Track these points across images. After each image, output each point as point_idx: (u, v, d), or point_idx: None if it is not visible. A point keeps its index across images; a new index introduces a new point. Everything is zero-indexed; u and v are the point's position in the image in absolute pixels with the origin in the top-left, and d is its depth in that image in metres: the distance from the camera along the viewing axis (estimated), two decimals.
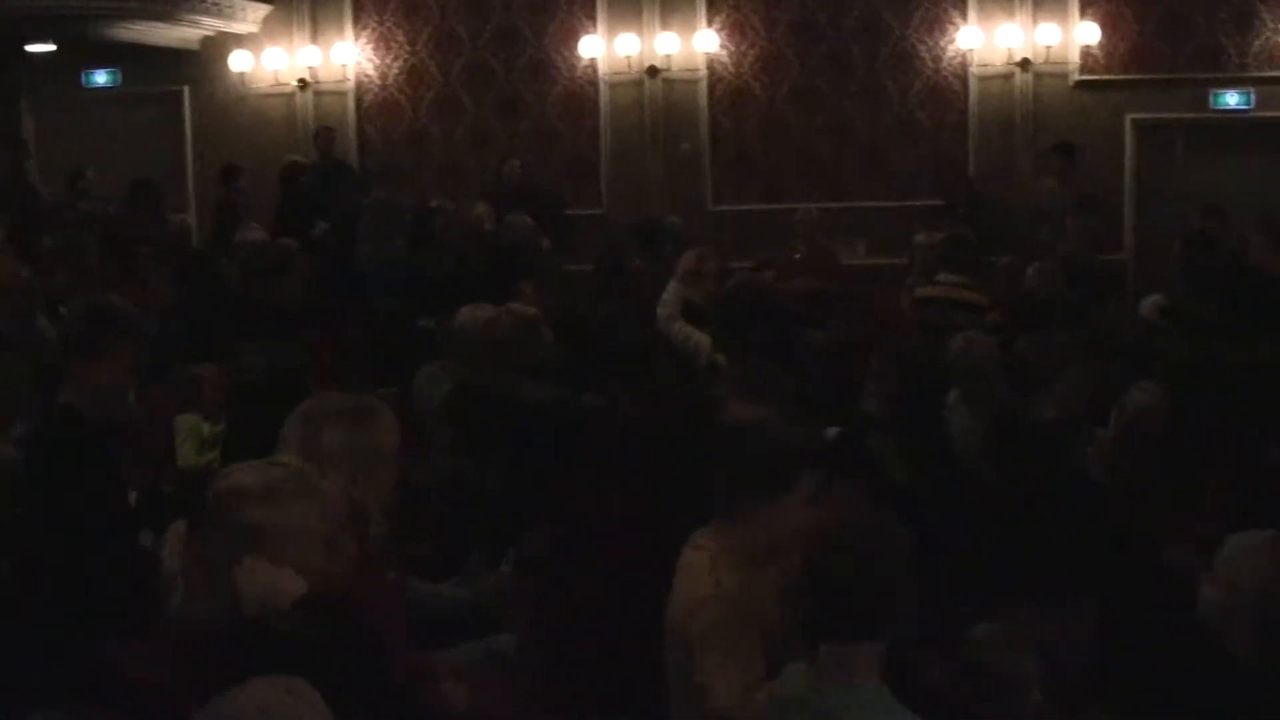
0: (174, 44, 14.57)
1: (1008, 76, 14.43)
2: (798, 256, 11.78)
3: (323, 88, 14.94)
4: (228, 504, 3.27)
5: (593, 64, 14.60)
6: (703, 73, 14.52)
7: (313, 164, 13.84)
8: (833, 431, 6.52)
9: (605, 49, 14.49)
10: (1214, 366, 6.96)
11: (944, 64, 14.48)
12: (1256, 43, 14.35)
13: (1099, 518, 5.45)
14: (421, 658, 4.33)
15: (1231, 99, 14.45)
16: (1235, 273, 9.90)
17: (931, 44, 14.47)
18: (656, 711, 4.16)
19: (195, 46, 14.89)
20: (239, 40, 14.90)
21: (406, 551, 5.34)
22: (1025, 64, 14.34)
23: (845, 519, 3.40)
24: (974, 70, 14.43)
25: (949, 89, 14.50)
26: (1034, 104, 14.42)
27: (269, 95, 15.05)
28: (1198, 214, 11.68)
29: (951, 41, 14.41)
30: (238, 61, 14.88)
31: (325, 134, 14.18)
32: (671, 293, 8.54)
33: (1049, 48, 14.30)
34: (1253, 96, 14.41)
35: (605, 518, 5.03)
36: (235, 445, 6.07)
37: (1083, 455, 5.82)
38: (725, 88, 14.58)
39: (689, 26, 14.43)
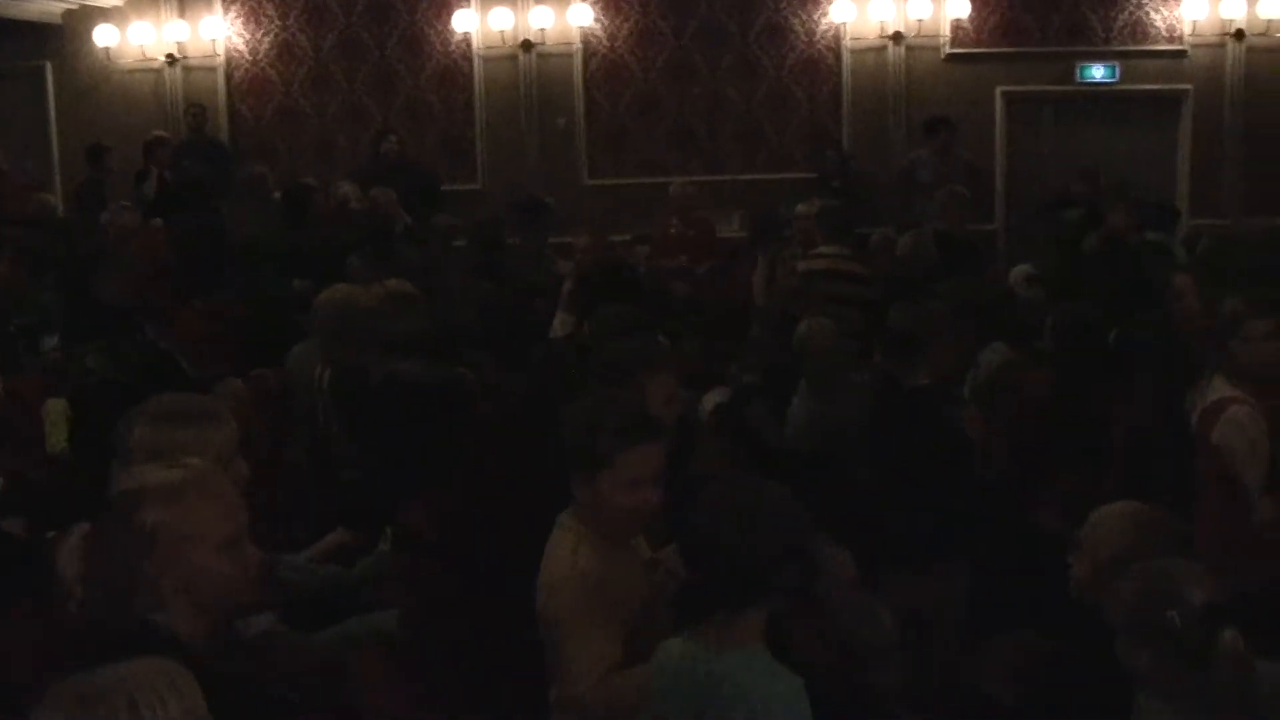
0: (35, 18, 14.13)
1: (880, 50, 14.58)
2: (673, 231, 11.83)
3: (191, 63, 14.64)
4: (128, 505, 3.21)
5: (466, 38, 14.48)
6: (577, 46, 14.46)
7: (182, 142, 13.59)
8: (712, 400, 6.57)
9: (479, 23, 14.38)
10: (1079, 330, 7.09)
11: (817, 37, 14.57)
12: (1121, 17, 14.67)
13: (970, 480, 5.54)
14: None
15: (1097, 72, 14.77)
16: (1102, 239, 10.13)
17: (805, 17, 14.55)
18: (539, 692, 4.17)
19: (57, 20, 14.48)
20: (103, 14, 14.51)
21: (283, 531, 5.29)
22: (897, 37, 14.51)
23: (722, 487, 3.39)
24: (847, 44, 14.55)
25: (823, 62, 14.60)
26: (906, 77, 14.59)
27: (135, 71, 14.70)
28: (1075, 178, 11.91)
29: (825, 15, 14.51)
30: (102, 36, 14.49)
31: (195, 112, 13.92)
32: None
33: (920, 21, 14.48)
34: (1118, 69, 14.75)
35: (482, 494, 5.00)
36: (80, 448, 6.00)
37: (958, 420, 5.90)
38: (600, 62, 14.56)
39: (563, 0, 14.37)
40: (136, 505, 3.18)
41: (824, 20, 14.52)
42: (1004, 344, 7.24)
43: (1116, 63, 14.73)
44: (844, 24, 14.47)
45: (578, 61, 14.49)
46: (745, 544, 3.20)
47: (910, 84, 14.57)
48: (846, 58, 14.57)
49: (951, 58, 14.64)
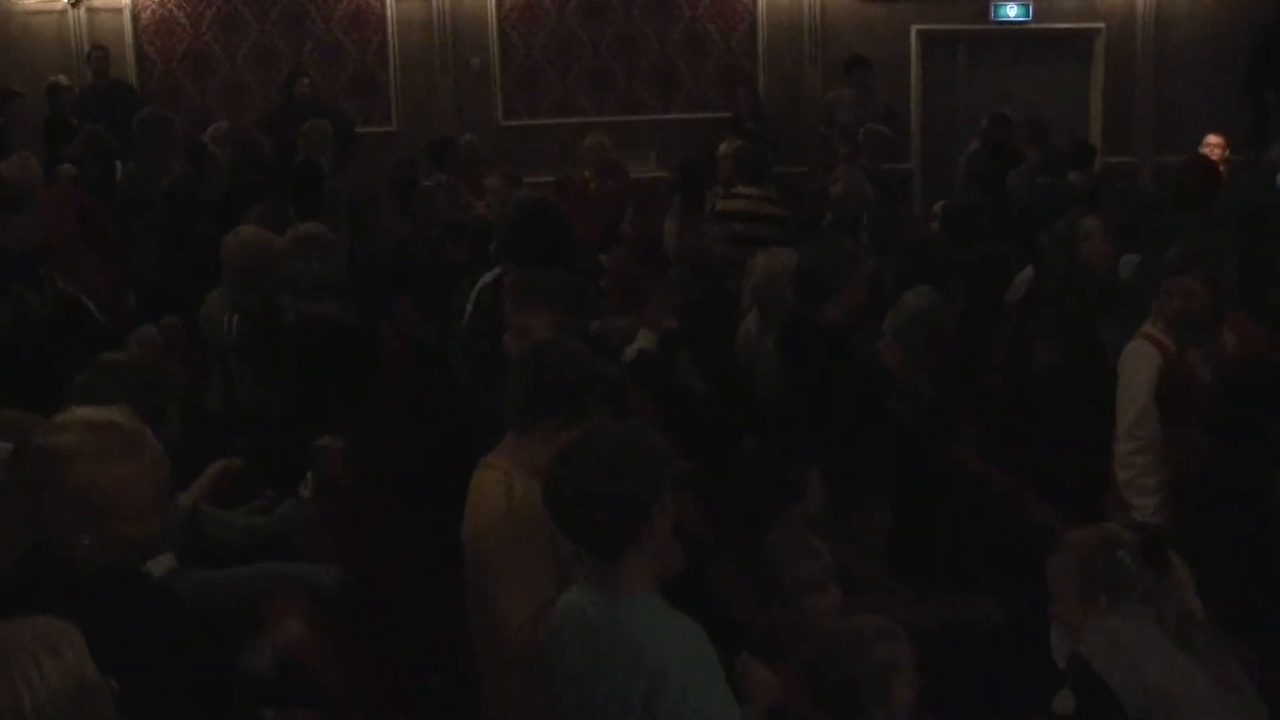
0: None
1: None
2: (591, 186, 11.76)
3: (96, 5, 14.24)
4: (58, 459, 3.14)
5: None
6: None
7: (85, 86, 13.30)
8: (633, 349, 6.55)
9: None
10: (992, 267, 7.17)
11: None
12: None
13: (890, 414, 5.58)
14: None
15: (1011, 11, 14.83)
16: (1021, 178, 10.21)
17: None
18: (459, 632, 4.15)
19: None
20: None
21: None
22: None
23: (590, 436, 3.37)
24: None
25: (738, 2, 14.53)
26: (821, 17, 14.54)
27: (37, 12, 14.30)
28: (986, 122, 11.96)
29: None
30: None
31: (99, 54, 13.58)
32: None
33: None
34: (1031, 8, 14.82)
35: (398, 435, 4.97)
36: None
37: (873, 354, 5.94)
38: (515, 2, 14.39)
39: None
40: (63, 465, 3.12)
41: None
42: (929, 287, 7.28)
43: (1030, 1, 14.79)
44: None
45: (492, 1, 14.31)
46: (607, 492, 3.17)
47: (825, 24, 14.53)
48: None
49: None
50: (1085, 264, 6.74)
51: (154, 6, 14.33)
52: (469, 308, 6.05)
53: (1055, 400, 6.37)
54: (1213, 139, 12.18)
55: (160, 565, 4.23)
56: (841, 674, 3.63)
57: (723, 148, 10.91)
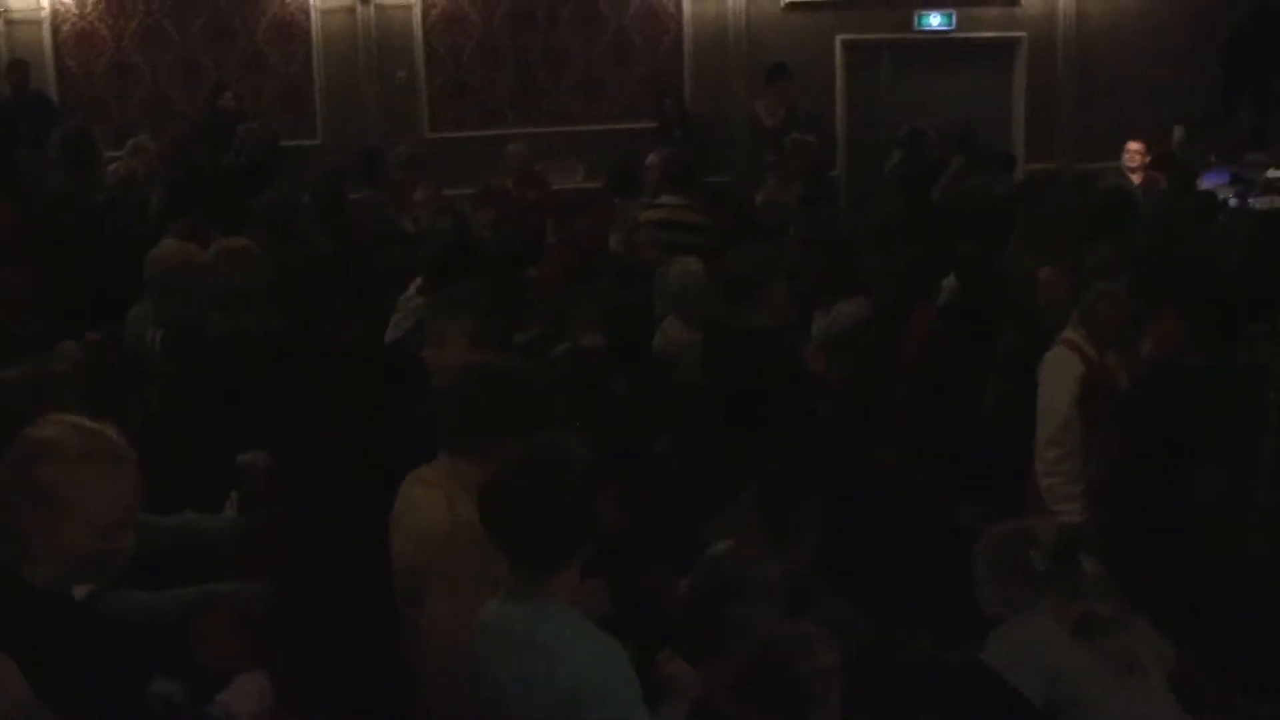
0: None
1: None
2: (510, 186, 11.74)
3: (14, 16, 14.06)
4: (31, 454, 3.07)
5: None
6: None
7: (3, 99, 13.13)
8: (562, 348, 6.53)
9: None
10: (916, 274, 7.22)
11: None
12: None
13: (817, 418, 5.61)
14: None
15: (934, 19, 15.00)
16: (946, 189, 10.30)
17: None
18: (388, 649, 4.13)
19: None
20: None
21: None
22: None
23: (533, 452, 3.37)
24: None
25: (663, 12, 14.59)
26: (746, 26, 14.62)
27: None
28: (903, 133, 12.05)
29: None
30: None
31: (17, 67, 13.40)
32: None
33: None
34: (954, 17, 14.98)
35: (326, 449, 4.94)
36: None
37: (798, 359, 5.98)
38: (440, 13, 14.35)
39: None
40: (38, 458, 3.06)
41: None
42: (862, 297, 7.33)
43: (953, 10, 14.97)
44: None
45: (417, 13, 14.26)
46: (545, 506, 3.20)
47: (750, 33, 14.62)
48: (687, 7, 14.56)
49: (791, 6, 14.72)
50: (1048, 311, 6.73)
51: (74, 18, 14.16)
52: (394, 319, 6.04)
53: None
54: (1133, 145, 12.36)
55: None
56: (787, 677, 3.65)
57: (651, 158, 10.93)
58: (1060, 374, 5.60)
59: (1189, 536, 4.71)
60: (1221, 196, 12.24)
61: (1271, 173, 13.53)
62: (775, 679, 3.69)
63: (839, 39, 14.86)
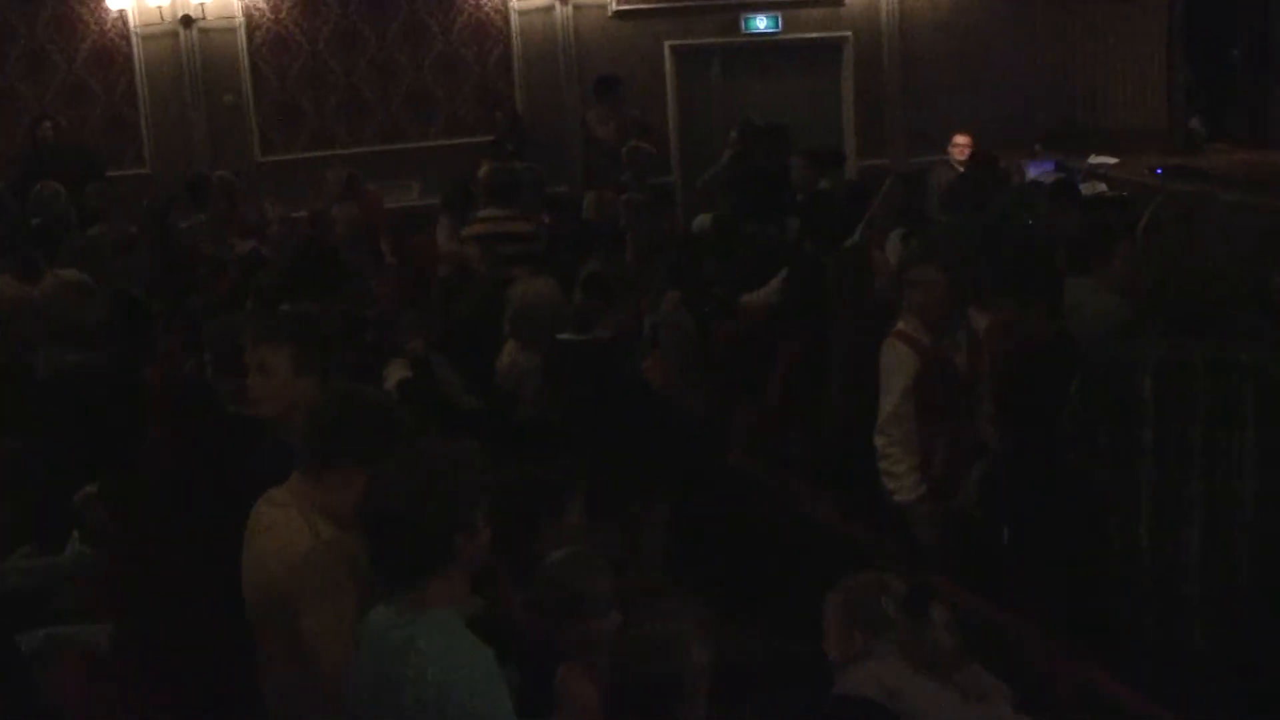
0: None
1: (548, 10, 14.61)
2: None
3: None
4: None
5: (123, 16, 13.87)
6: (240, 20, 14.03)
7: None
8: (395, 374, 6.50)
9: (135, 0, 13.81)
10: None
11: (485, 1, 14.51)
12: None
13: (661, 426, 5.64)
14: None
15: (761, 22, 15.18)
16: (778, 188, 10.42)
17: None
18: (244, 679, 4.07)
19: None
20: None
21: None
22: None
23: (405, 459, 3.37)
24: (514, 5, 14.53)
25: (491, 25, 14.56)
26: (575, 36, 14.66)
27: None
28: (735, 132, 12.17)
29: None
30: None
31: None
32: None
33: None
34: (780, 19, 15.16)
35: (165, 481, 4.86)
36: None
37: (638, 369, 6.02)
38: (265, 35, 14.16)
39: None
40: None
41: None
42: (677, 291, 7.39)
43: (779, 12, 15.16)
44: None
45: (241, 36, 14.06)
46: (419, 511, 3.20)
47: (579, 43, 14.67)
48: (515, 19, 14.56)
49: (619, 14, 14.79)
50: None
51: None
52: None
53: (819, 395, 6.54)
54: (959, 139, 12.62)
55: None
56: (663, 671, 3.66)
57: (482, 171, 10.92)
58: (893, 366, 5.68)
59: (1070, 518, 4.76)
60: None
61: (1094, 159, 13.96)
62: (650, 673, 3.69)
63: (668, 45, 14.97)
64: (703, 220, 10.16)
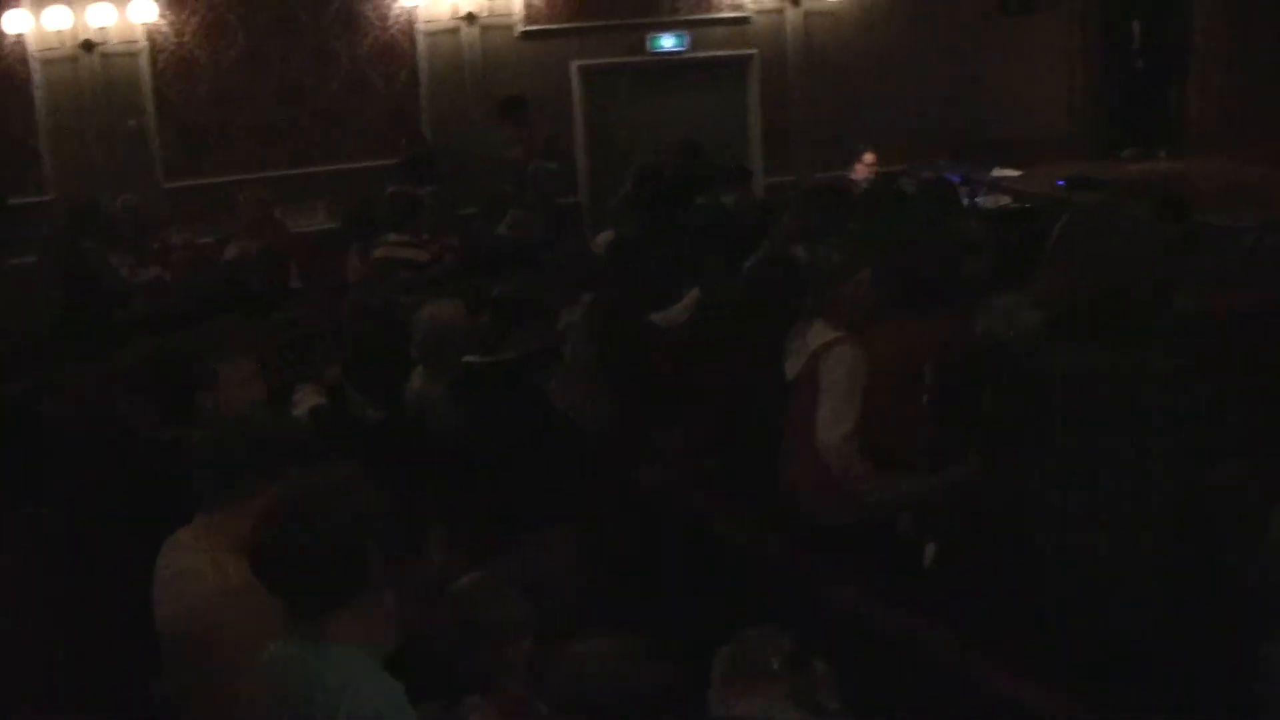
0: None
1: (454, 31, 14.60)
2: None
3: None
4: None
5: (20, 41, 13.62)
6: (143, 44, 13.83)
7: None
8: (306, 400, 6.45)
9: (34, 24, 13.55)
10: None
11: (390, 21, 14.46)
12: None
13: (568, 447, 5.64)
14: None
15: (667, 41, 15.28)
16: (682, 203, 10.45)
17: (377, 2, 14.40)
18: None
19: None
20: None
21: None
22: (470, 18, 14.55)
23: (301, 493, 3.32)
24: (421, 26, 14.50)
25: (398, 46, 14.51)
26: (483, 57, 14.66)
27: None
28: (663, 150, 12.19)
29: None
30: None
31: None
32: None
33: (492, 0, 14.58)
34: (687, 38, 15.26)
35: (66, 513, 4.78)
36: None
37: (546, 389, 6.00)
38: (169, 58, 13.98)
39: None
40: None
41: (396, 4, 14.41)
42: (584, 301, 7.40)
43: (685, 31, 15.26)
44: (416, 6, 14.43)
45: (144, 60, 13.87)
46: (317, 547, 3.15)
47: (487, 63, 14.66)
48: (421, 41, 14.52)
49: (526, 35, 14.81)
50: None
51: None
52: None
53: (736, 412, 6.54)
54: (867, 157, 12.76)
55: None
56: (619, 694, 3.65)
57: (387, 194, 10.87)
58: (846, 370, 5.63)
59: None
60: None
61: (997, 172, 14.15)
62: (605, 699, 3.69)
63: (575, 64, 15.02)
64: (605, 237, 10.17)
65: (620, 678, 3.69)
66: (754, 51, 15.58)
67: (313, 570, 3.15)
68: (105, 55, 13.75)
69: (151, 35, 13.87)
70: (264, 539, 3.21)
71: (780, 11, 15.57)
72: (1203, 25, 16.35)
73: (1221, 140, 15.89)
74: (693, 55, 15.39)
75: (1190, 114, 16.56)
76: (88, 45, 13.64)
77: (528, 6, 14.78)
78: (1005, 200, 13.00)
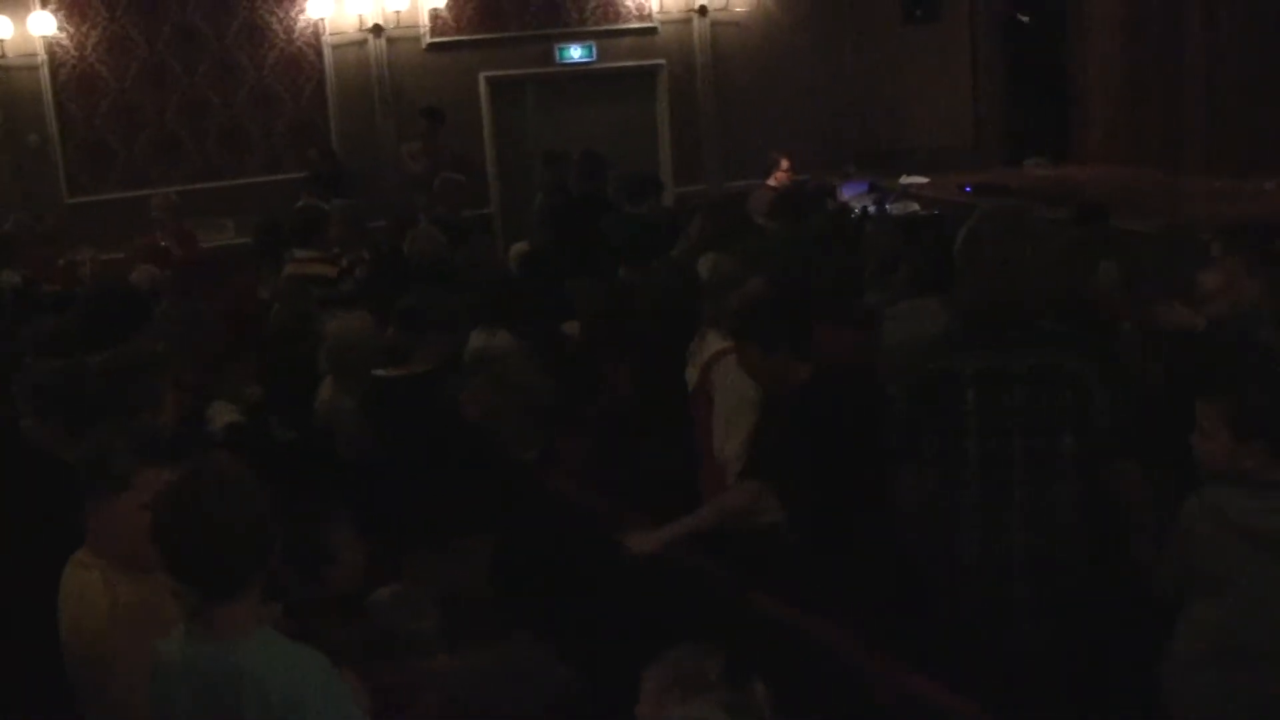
0: None
1: (361, 43, 14.55)
2: (162, 244, 11.41)
3: None
4: None
5: None
6: (43, 58, 13.67)
7: None
8: (222, 416, 6.38)
9: None
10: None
11: (296, 34, 14.38)
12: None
13: (479, 459, 5.62)
14: None
15: (575, 52, 15.31)
16: (592, 214, 10.46)
17: (283, 15, 14.32)
18: None
19: None
20: None
21: None
22: (377, 30, 14.50)
23: (188, 482, 3.30)
24: (327, 39, 14.44)
25: (304, 59, 14.43)
26: (390, 69, 14.61)
27: None
28: (542, 162, 12.20)
29: (302, 12, 14.33)
30: None
31: None
32: None
33: (399, 13, 14.55)
34: (594, 49, 15.29)
35: None
36: None
37: (455, 402, 5.98)
38: (70, 72, 13.82)
39: (22, 8, 13.52)
40: None
41: (302, 17, 14.34)
42: (483, 325, 7.38)
43: (593, 42, 15.29)
44: (322, 19, 14.37)
45: (45, 74, 13.70)
46: (215, 535, 3.14)
47: (394, 76, 14.63)
48: (328, 53, 14.46)
49: (433, 47, 14.79)
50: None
51: None
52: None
53: (638, 420, 6.56)
54: (784, 163, 12.82)
55: None
56: (525, 698, 3.65)
57: (297, 208, 10.81)
58: (743, 379, 5.63)
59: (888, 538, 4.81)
60: (860, 205, 12.83)
61: (905, 179, 14.30)
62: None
63: (483, 76, 15.00)
64: (519, 248, 10.16)
65: (526, 681, 3.70)
66: (662, 62, 15.63)
67: (209, 553, 3.14)
68: (4, 69, 13.61)
69: (51, 49, 13.71)
70: (171, 517, 3.19)
71: (688, 21, 15.63)
72: (1095, 34, 16.64)
73: (1116, 146, 16.18)
74: (601, 66, 15.42)
75: (1086, 121, 16.84)
76: None
77: (435, 18, 14.74)
78: (914, 207, 13.12)
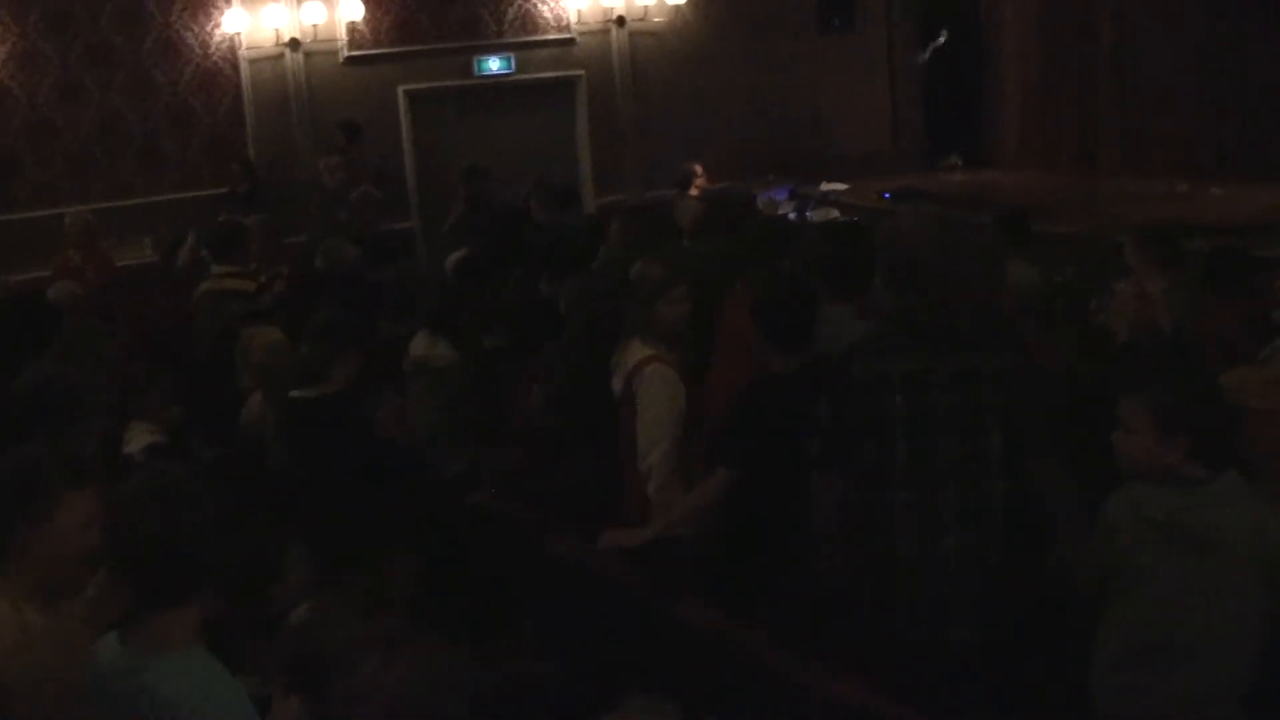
0: None
1: (278, 58, 14.43)
2: (73, 264, 11.26)
3: None
4: None
5: None
6: None
7: None
8: (138, 447, 6.31)
9: None
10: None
11: (213, 49, 14.24)
12: (511, 10, 15.31)
13: (401, 474, 5.60)
14: None
15: (494, 64, 15.29)
16: (515, 227, 10.45)
17: (198, 30, 14.17)
18: None
19: None
20: None
21: None
22: (294, 44, 14.40)
23: (133, 489, 3.25)
24: (244, 53, 14.31)
25: (220, 74, 14.29)
26: (308, 83, 14.51)
27: None
28: (461, 178, 12.18)
29: (218, 26, 14.19)
30: None
31: None
32: None
33: (316, 26, 14.45)
34: (513, 60, 15.28)
35: None
36: None
37: (372, 419, 5.96)
38: None
39: None
40: None
41: (218, 32, 14.20)
42: (426, 333, 7.36)
43: (511, 54, 15.27)
44: (238, 34, 14.24)
45: None
46: (163, 541, 3.10)
47: (312, 90, 14.53)
48: (245, 68, 14.33)
49: (351, 60, 14.70)
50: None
51: None
52: None
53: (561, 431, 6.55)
54: (698, 170, 12.85)
55: None
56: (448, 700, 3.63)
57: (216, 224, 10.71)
58: (664, 392, 5.62)
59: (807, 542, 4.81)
60: (781, 211, 12.90)
61: (825, 186, 14.38)
62: None
63: (401, 89, 14.93)
64: (456, 256, 10.13)
65: (453, 691, 3.68)
66: (581, 72, 15.64)
67: (173, 549, 3.09)
68: None
69: None
70: (124, 522, 3.15)
71: (606, 32, 15.66)
72: (1009, 40, 16.85)
73: (1032, 151, 16.39)
74: (520, 77, 15.41)
75: (1002, 126, 17.04)
76: None
77: (352, 32, 14.66)
78: (834, 214, 13.20)
